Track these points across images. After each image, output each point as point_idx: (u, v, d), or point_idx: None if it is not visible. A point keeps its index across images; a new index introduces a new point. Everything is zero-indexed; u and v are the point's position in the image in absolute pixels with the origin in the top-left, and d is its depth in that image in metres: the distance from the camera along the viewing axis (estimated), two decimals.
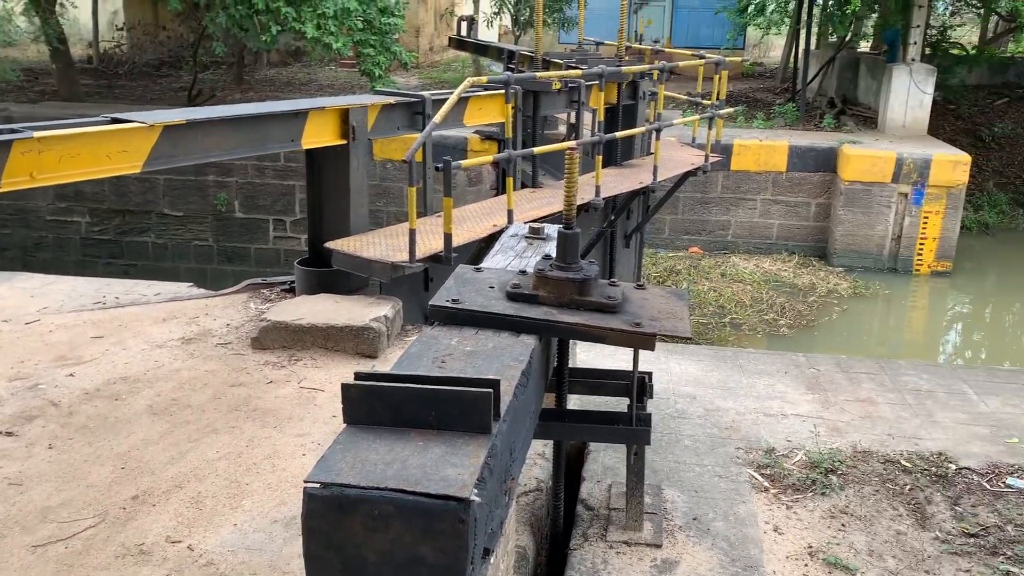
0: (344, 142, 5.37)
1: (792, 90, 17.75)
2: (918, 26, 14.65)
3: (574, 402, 4.39)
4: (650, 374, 3.70)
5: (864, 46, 20.96)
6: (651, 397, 3.69)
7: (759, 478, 4.24)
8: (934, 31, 18.67)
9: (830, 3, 16.70)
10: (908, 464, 4.46)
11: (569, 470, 4.11)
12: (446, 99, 5.36)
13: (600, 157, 6.97)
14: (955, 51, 19.03)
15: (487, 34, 19.97)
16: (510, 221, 5.76)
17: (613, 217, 8.58)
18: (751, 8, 15.58)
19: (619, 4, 9.00)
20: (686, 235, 14.20)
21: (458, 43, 12.89)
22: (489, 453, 1.95)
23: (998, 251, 14.89)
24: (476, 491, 1.76)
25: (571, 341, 3.87)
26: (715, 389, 5.37)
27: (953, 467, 4.45)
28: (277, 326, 4.73)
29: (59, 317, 5.15)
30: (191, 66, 17.39)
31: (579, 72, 7.20)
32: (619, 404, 3.84)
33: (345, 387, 2.02)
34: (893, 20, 16.25)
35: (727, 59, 9.08)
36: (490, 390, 2.00)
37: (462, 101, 6.20)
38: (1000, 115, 18.20)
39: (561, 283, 2.78)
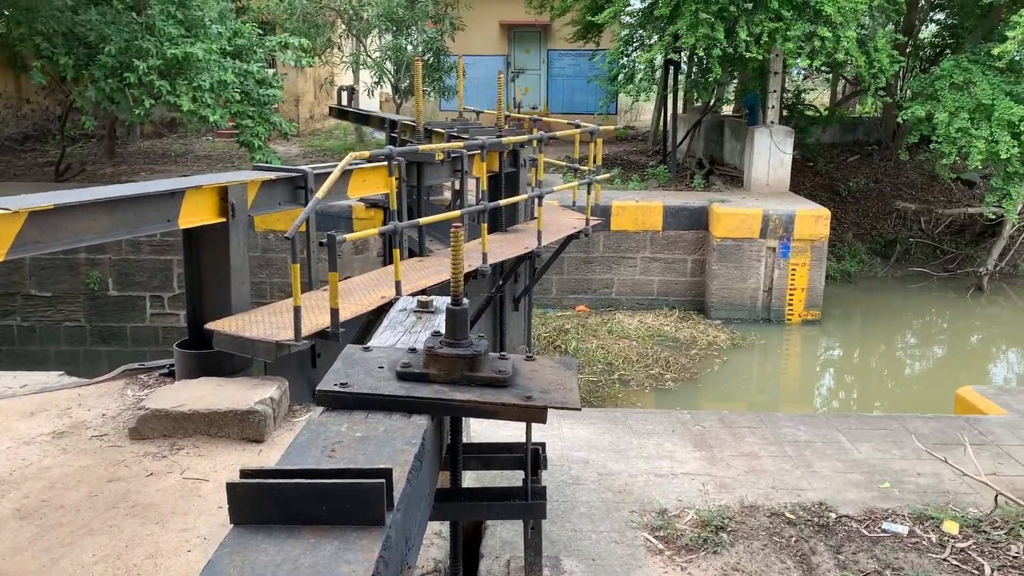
0: (223, 220, 5.26)
1: (663, 152, 18.60)
2: (775, 91, 15.69)
3: (470, 478, 4.37)
4: (543, 445, 3.73)
5: (727, 109, 22.27)
6: (545, 468, 3.72)
7: (653, 541, 4.32)
8: (790, 94, 20.05)
9: (694, 70, 17.70)
10: (792, 516, 4.63)
11: (467, 547, 4.07)
12: (328, 173, 5.36)
13: (485, 224, 7.08)
14: (809, 112, 20.48)
15: (368, 103, 20.10)
16: (398, 293, 5.75)
17: (501, 282, 8.68)
18: (620, 77, 16.33)
19: (496, 73, 9.28)
20: (573, 294, 14.51)
21: (339, 113, 12.92)
22: (384, 546, 1.92)
23: (861, 298, 15.88)
24: None
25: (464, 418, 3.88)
26: (607, 452, 5.45)
27: (833, 516, 4.66)
28: (156, 414, 4.53)
29: None
30: (58, 140, 16.72)
31: (461, 144, 7.34)
32: (515, 477, 3.85)
33: (231, 486, 1.96)
34: (752, 86, 17.39)
35: (601, 126, 9.46)
36: (382, 480, 1.98)
37: (345, 174, 6.20)
38: (853, 171, 19.59)
39: (451, 360, 2.79)
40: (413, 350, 2.94)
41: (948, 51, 18.20)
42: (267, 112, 13.78)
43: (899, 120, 16.57)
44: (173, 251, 13.17)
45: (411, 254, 7.78)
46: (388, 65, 18.81)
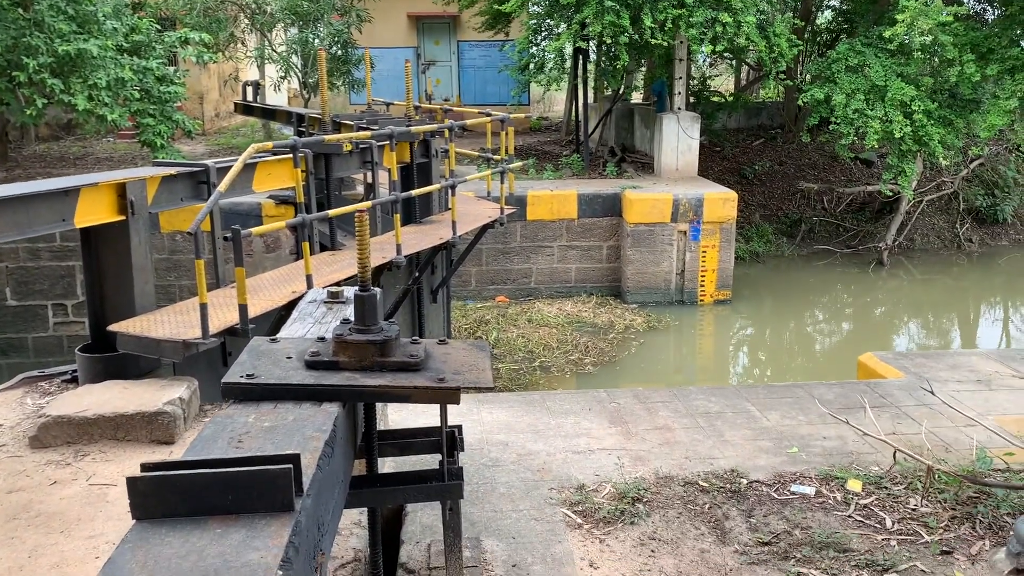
0: (123, 218, 5.09)
1: (576, 142, 18.81)
2: (680, 78, 16.03)
3: (388, 465, 4.36)
4: (459, 427, 3.75)
5: (637, 98, 22.65)
6: (462, 450, 3.73)
7: (572, 515, 4.39)
8: (696, 81, 20.52)
9: (602, 59, 17.94)
10: (705, 484, 4.77)
11: (389, 535, 4.06)
12: (231, 167, 5.24)
13: (399, 216, 7.04)
14: (715, 98, 21.01)
15: (275, 98, 19.72)
16: (309, 287, 5.67)
17: (418, 274, 8.65)
18: (531, 66, 16.43)
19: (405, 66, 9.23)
20: (492, 285, 14.55)
21: (244, 108, 12.66)
22: (293, 531, 1.90)
23: (769, 276, 16.42)
24: (281, 573, 1.71)
25: (379, 404, 3.86)
26: (526, 433, 5.51)
27: (744, 481, 4.82)
28: (59, 421, 4.36)
29: None
30: None
31: (368, 133, 7.27)
32: (433, 461, 3.85)
33: (131, 480, 1.91)
34: (659, 73, 17.74)
35: (513, 115, 9.51)
36: (289, 466, 1.96)
37: (249, 167, 6.07)
38: (758, 154, 20.20)
39: (362, 346, 2.77)
40: (322, 339, 2.91)
41: (843, 35, 18.91)
42: (169, 110, 13.35)
43: (800, 103, 17.16)
44: (76, 256, 12.65)
45: (323, 248, 7.68)
46: (295, 59, 18.44)
